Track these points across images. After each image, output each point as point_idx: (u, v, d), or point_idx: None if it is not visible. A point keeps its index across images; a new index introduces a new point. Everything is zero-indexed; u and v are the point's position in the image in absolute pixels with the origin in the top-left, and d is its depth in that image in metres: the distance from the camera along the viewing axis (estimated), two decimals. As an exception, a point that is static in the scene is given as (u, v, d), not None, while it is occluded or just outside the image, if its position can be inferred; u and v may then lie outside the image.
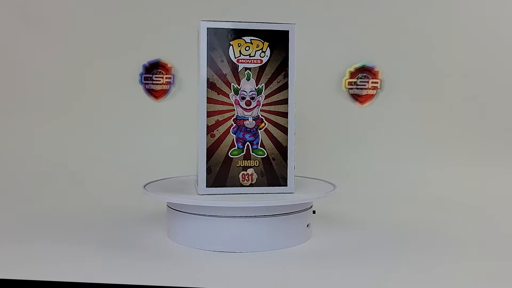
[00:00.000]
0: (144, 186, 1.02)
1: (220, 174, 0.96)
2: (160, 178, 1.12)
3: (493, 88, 1.54)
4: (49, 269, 0.81)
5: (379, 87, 1.57)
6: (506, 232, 1.09)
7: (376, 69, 1.57)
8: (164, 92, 1.64)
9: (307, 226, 0.99)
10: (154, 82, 1.64)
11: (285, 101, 0.98)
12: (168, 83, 1.64)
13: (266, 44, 0.97)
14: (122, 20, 1.65)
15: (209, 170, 0.96)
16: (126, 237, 1.00)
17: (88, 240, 0.98)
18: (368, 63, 1.57)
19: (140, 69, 1.64)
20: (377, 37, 1.58)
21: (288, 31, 0.97)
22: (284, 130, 0.98)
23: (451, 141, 1.53)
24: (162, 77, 1.64)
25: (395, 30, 1.57)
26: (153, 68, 1.64)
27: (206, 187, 0.96)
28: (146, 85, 1.65)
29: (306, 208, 0.98)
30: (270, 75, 0.97)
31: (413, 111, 1.56)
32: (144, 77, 1.64)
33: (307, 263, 0.86)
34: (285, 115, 0.98)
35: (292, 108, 0.98)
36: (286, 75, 0.98)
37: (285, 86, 0.98)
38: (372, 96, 1.57)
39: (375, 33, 1.58)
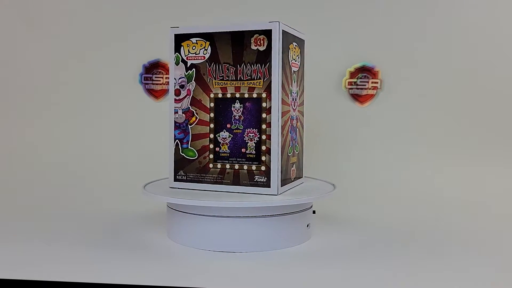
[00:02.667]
0: (144, 186, 1.03)
1: (283, 172, 0.98)
2: (160, 178, 1.12)
3: (493, 88, 1.54)
4: (49, 269, 0.82)
5: (379, 87, 1.57)
6: (506, 232, 1.09)
7: (376, 69, 1.57)
8: (164, 92, 1.64)
9: (307, 226, 0.99)
10: (154, 82, 1.64)
11: (302, 103, 1.08)
12: (168, 83, 1.64)
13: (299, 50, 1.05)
14: (122, 20, 1.65)
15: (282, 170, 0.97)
16: (126, 237, 1.00)
17: (88, 240, 0.98)
18: (368, 63, 1.57)
19: (140, 69, 1.64)
20: (377, 37, 1.58)
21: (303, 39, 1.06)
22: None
23: (451, 141, 1.53)
24: (162, 77, 1.64)
25: (395, 30, 1.57)
26: (153, 68, 1.64)
27: (281, 186, 0.97)
28: (146, 85, 1.65)
29: (306, 208, 0.98)
30: (301, 77, 1.07)
31: (413, 111, 1.56)
32: (144, 77, 1.64)
33: (307, 263, 0.86)
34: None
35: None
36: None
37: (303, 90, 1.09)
38: (372, 96, 1.57)
39: (375, 33, 1.58)
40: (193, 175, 1.00)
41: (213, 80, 0.97)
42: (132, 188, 1.21)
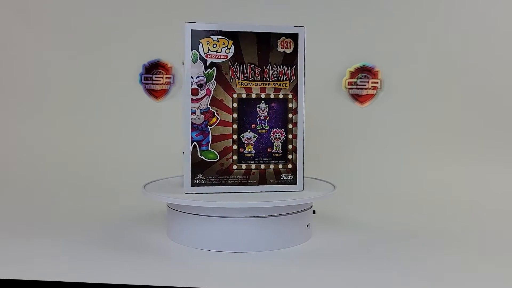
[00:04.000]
0: (144, 186, 1.02)
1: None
2: (160, 178, 1.12)
3: (494, 87, 1.54)
4: (49, 269, 0.81)
5: (379, 87, 1.57)
6: (506, 232, 1.09)
7: (376, 69, 1.57)
8: (164, 92, 1.64)
9: (307, 226, 0.99)
10: (154, 82, 1.64)
11: None
12: (168, 83, 1.64)
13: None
14: (122, 20, 1.65)
15: None
16: (126, 237, 1.00)
17: (88, 240, 0.98)
18: (368, 63, 1.57)
19: (140, 69, 1.64)
20: (377, 37, 1.58)
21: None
22: None
23: (451, 140, 1.53)
24: (162, 77, 1.64)
25: (395, 30, 1.57)
26: (153, 68, 1.64)
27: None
28: (146, 85, 1.65)
29: (306, 208, 0.98)
30: None
31: (413, 111, 1.56)
32: (144, 77, 1.64)
33: (307, 263, 0.86)
34: None
35: None
36: None
37: None
38: (372, 96, 1.57)
39: (375, 33, 1.58)
40: (214, 178, 0.97)
41: (236, 80, 0.97)
42: (132, 188, 1.21)
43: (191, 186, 0.96)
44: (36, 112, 1.66)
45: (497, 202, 1.35)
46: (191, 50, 0.95)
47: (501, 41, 1.54)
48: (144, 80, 1.64)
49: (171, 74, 1.64)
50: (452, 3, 1.56)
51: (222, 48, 0.96)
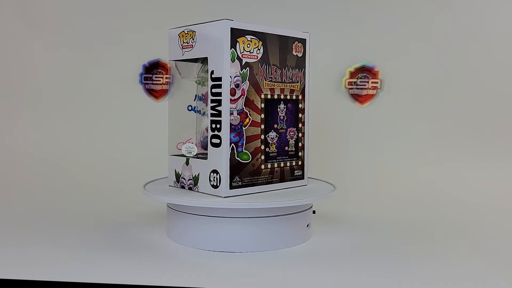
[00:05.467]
0: (144, 186, 1.02)
1: None
2: (160, 177, 1.12)
3: (494, 87, 1.54)
4: (49, 269, 0.82)
5: (379, 87, 1.57)
6: (507, 232, 1.09)
7: (376, 69, 1.57)
8: (164, 92, 1.64)
9: (307, 226, 0.99)
10: (154, 82, 1.64)
11: None
12: (168, 83, 1.64)
13: None
14: (122, 20, 1.65)
15: None
16: (126, 237, 1.00)
17: (88, 240, 0.98)
18: (368, 63, 1.57)
19: (140, 69, 1.64)
20: (377, 37, 1.58)
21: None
22: None
23: (451, 140, 1.53)
24: (162, 77, 1.64)
25: (395, 30, 1.57)
26: (153, 68, 1.64)
27: None
28: (146, 85, 1.65)
29: (306, 208, 0.98)
30: None
31: (413, 111, 1.56)
32: (144, 77, 1.64)
33: (307, 263, 0.86)
34: None
35: None
36: None
37: None
38: (372, 96, 1.57)
39: (375, 33, 1.58)
40: (248, 179, 0.95)
41: (264, 80, 0.97)
42: (132, 188, 1.21)
43: (230, 189, 0.93)
44: (36, 112, 1.66)
45: (498, 202, 1.35)
46: (230, 49, 0.92)
47: (502, 42, 1.54)
48: (144, 80, 1.64)
49: (171, 74, 1.64)
50: (452, 4, 1.56)
51: (254, 48, 0.95)
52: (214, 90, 0.92)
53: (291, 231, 0.95)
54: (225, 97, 0.91)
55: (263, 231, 0.92)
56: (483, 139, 1.52)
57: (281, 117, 1.00)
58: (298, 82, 1.02)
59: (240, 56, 0.93)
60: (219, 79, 0.91)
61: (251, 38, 0.94)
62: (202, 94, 1.04)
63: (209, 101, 0.93)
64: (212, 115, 0.92)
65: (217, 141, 0.92)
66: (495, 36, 1.54)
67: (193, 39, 0.96)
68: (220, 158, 0.92)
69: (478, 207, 1.31)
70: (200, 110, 1.04)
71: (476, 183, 1.45)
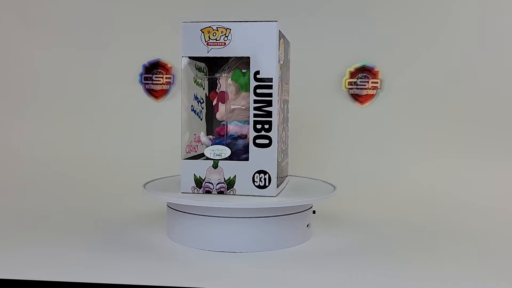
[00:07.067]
0: (144, 186, 1.02)
1: None
2: (160, 177, 1.12)
3: (494, 87, 1.53)
4: (49, 269, 0.81)
5: (379, 87, 1.57)
6: (507, 232, 1.09)
7: (376, 69, 1.57)
8: (164, 92, 1.64)
9: (307, 226, 0.99)
10: (154, 82, 1.64)
11: None
12: (168, 83, 1.64)
13: None
14: (122, 20, 1.65)
15: None
16: (126, 237, 1.00)
17: (88, 240, 0.98)
18: (368, 63, 1.57)
19: (140, 69, 1.64)
20: (377, 37, 1.58)
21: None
22: None
23: (452, 140, 1.53)
24: (162, 77, 1.64)
25: (395, 30, 1.57)
26: (153, 68, 1.64)
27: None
28: (146, 85, 1.65)
29: (306, 209, 0.98)
30: None
31: (413, 111, 1.56)
32: (144, 77, 1.64)
33: (307, 263, 0.86)
34: None
35: None
36: None
37: None
38: (372, 96, 1.57)
39: (375, 33, 1.58)
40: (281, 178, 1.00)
41: (281, 82, 0.97)
42: (132, 188, 1.21)
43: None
44: (36, 112, 1.66)
45: (498, 202, 1.35)
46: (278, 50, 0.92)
47: (501, 40, 1.54)
48: (144, 80, 1.64)
49: (171, 74, 1.64)
50: (452, 4, 1.56)
51: (283, 51, 0.97)
52: (259, 91, 0.91)
53: (291, 231, 0.95)
54: (275, 98, 0.91)
55: (263, 231, 0.92)
56: (483, 139, 1.52)
57: (287, 117, 1.06)
58: (287, 83, 1.06)
59: (280, 59, 0.94)
60: (267, 79, 0.91)
61: (282, 40, 0.96)
62: (200, 96, 1.04)
63: (251, 101, 0.91)
64: (256, 115, 0.92)
65: (266, 141, 0.92)
66: (493, 34, 1.54)
67: (226, 36, 0.92)
68: (269, 158, 0.92)
69: (478, 207, 1.31)
70: (196, 110, 1.03)
71: (476, 183, 1.45)
